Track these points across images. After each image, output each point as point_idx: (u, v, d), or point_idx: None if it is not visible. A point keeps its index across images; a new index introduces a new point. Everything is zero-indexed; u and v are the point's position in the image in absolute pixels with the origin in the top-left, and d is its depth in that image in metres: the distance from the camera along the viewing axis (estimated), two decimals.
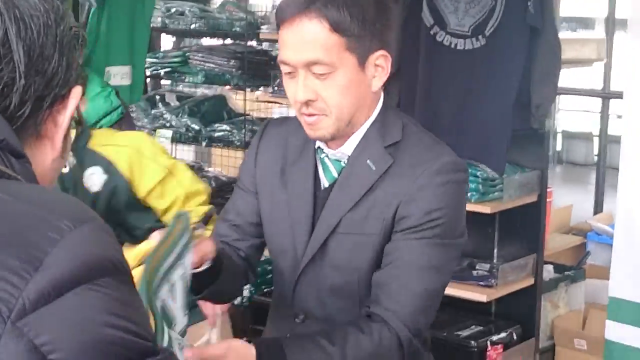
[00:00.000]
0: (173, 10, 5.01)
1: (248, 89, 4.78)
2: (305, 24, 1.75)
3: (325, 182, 1.92)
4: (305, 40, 1.75)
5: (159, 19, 4.97)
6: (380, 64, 1.83)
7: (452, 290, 3.86)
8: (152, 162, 2.84)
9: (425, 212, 1.80)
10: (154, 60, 4.98)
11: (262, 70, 4.70)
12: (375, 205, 1.84)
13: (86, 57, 3.99)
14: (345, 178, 1.88)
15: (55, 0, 1.11)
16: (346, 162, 1.89)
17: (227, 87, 4.94)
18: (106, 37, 3.99)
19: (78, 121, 1.16)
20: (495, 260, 4.19)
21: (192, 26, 4.93)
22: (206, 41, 5.57)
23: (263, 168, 2.02)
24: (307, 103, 1.79)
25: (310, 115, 1.81)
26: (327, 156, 1.91)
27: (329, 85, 1.77)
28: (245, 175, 2.06)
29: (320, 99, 1.79)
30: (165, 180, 2.83)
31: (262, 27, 4.57)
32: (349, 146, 1.88)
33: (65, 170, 2.69)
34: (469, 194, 3.82)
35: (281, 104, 4.82)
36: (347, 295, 1.90)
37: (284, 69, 1.82)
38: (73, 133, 1.20)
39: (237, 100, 5.07)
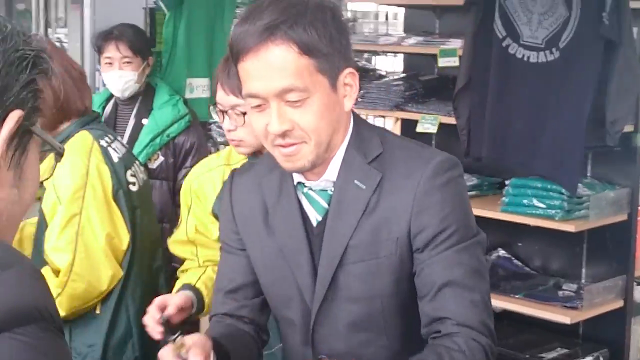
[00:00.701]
0: None
1: None
2: (272, 51, 1.66)
3: (317, 216, 1.83)
4: (275, 68, 1.67)
5: None
6: (349, 83, 1.76)
7: (535, 311, 3.75)
8: None
9: (440, 219, 1.74)
10: None
11: None
12: (381, 226, 1.76)
13: (164, 67, 4.02)
14: (337, 205, 1.80)
15: (2, 21, 1.08)
16: (332, 189, 1.81)
17: None
18: (186, 49, 3.99)
19: (58, 152, 1.13)
20: (583, 281, 4.04)
21: None
22: None
23: (243, 220, 1.93)
24: (283, 134, 1.71)
25: (287, 145, 1.73)
26: (310, 189, 1.83)
27: (305, 111, 1.70)
28: (227, 234, 1.98)
29: (296, 127, 1.71)
30: None
31: None
32: (331, 172, 1.81)
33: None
34: (553, 212, 3.70)
35: None
36: (371, 326, 1.84)
37: (251, 102, 1.73)
38: (48, 164, 1.16)
39: None
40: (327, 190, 1.81)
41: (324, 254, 1.80)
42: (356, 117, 1.84)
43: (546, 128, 3.60)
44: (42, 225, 2.49)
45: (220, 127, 5.29)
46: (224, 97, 2.32)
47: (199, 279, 2.45)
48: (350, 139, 1.80)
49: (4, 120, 1.05)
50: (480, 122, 3.73)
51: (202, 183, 2.52)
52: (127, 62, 3.63)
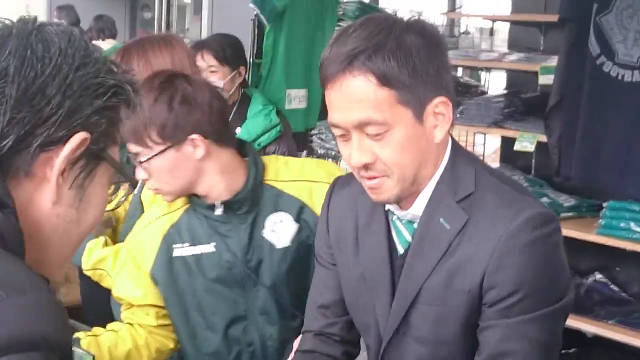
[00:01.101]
0: None
1: None
2: (350, 82, 1.59)
3: (399, 248, 1.75)
4: (352, 100, 1.59)
5: None
6: (441, 112, 1.63)
7: (628, 338, 3.67)
8: None
9: (514, 282, 1.61)
10: None
11: None
12: (457, 272, 1.66)
13: (264, 78, 4.10)
14: (419, 242, 1.71)
15: (90, 47, 1.12)
16: (418, 223, 1.72)
17: None
18: (285, 60, 4.06)
19: (129, 179, 1.16)
20: None
21: None
22: None
23: (336, 235, 1.87)
24: (365, 166, 1.64)
25: (370, 178, 1.65)
26: (398, 218, 1.75)
27: (385, 144, 1.61)
28: (320, 246, 1.93)
29: (378, 161, 1.63)
30: None
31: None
32: (418, 206, 1.71)
33: (218, 213, 2.25)
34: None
35: None
36: None
37: (335, 131, 1.67)
38: (120, 192, 1.19)
39: None
40: (413, 223, 1.73)
41: (400, 289, 1.73)
42: (455, 149, 1.73)
43: (638, 149, 3.51)
44: (138, 212, 2.54)
45: (321, 139, 5.37)
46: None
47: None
48: (443, 173, 1.70)
49: (68, 139, 1.08)
50: (571, 140, 3.66)
51: (139, 242, 2.31)
52: (213, 72, 3.73)
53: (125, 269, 2.34)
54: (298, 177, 2.28)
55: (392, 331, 1.75)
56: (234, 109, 3.80)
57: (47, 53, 1.08)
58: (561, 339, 1.70)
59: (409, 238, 1.73)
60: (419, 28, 1.63)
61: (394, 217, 1.75)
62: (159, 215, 2.31)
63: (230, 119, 3.80)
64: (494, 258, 1.62)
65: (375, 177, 1.65)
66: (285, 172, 2.29)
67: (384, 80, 1.58)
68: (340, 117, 1.62)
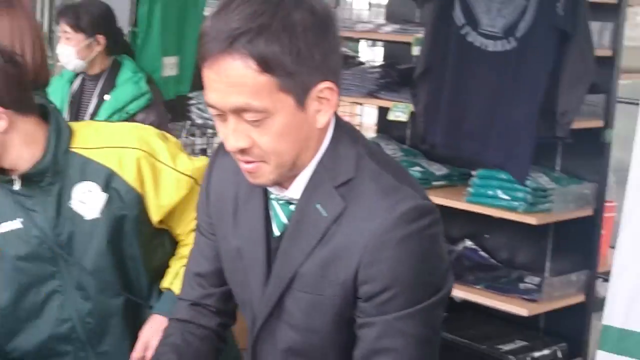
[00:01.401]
0: None
1: None
2: (229, 65, 1.50)
3: (275, 230, 1.71)
4: (230, 84, 1.51)
5: None
6: (325, 97, 1.57)
7: (494, 302, 3.77)
8: (171, 168, 2.23)
9: (389, 278, 1.59)
10: None
11: None
12: (332, 262, 1.62)
13: (139, 46, 4.06)
14: (295, 226, 1.66)
15: None
16: (295, 207, 1.67)
17: None
18: (161, 27, 4.03)
19: None
20: (547, 274, 4.04)
21: None
22: None
23: (216, 206, 1.81)
24: (242, 151, 1.57)
25: (247, 162, 1.60)
26: (276, 198, 1.69)
27: (263, 131, 1.54)
28: (201, 215, 1.89)
29: (255, 146, 1.56)
30: (191, 194, 2.24)
31: None
32: (296, 189, 1.66)
33: (16, 187, 2.15)
34: (516, 204, 3.70)
35: None
36: (308, 356, 1.73)
37: (211, 111, 1.59)
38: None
39: None
40: (289, 206, 1.68)
41: (275, 273, 1.70)
42: (338, 130, 1.66)
43: (499, 117, 3.59)
44: None
45: (200, 109, 5.35)
46: None
47: (176, 275, 2.26)
48: (324, 156, 1.64)
49: None
50: (436, 109, 3.73)
51: None
52: (68, 39, 3.72)
53: None
54: (107, 143, 2.18)
55: (265, 315, 1.73)
56: (104, 76, 3.78)
57: None
58: (440, 329, 1.69)
59: (285, 220, 1.69)
60: (308, 5, 1.54)
61: (272, 197, 1.70)
62: None
63: (100, 87, 3.80)
64: (368, 251, 1.59)
65: (251, 162, 1.59)
66: (95, 139, 2.19)
67: (265, 66, 1.49)
68: (216, 99, 1.54)
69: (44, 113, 2.15)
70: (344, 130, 1.68)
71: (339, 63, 1.62)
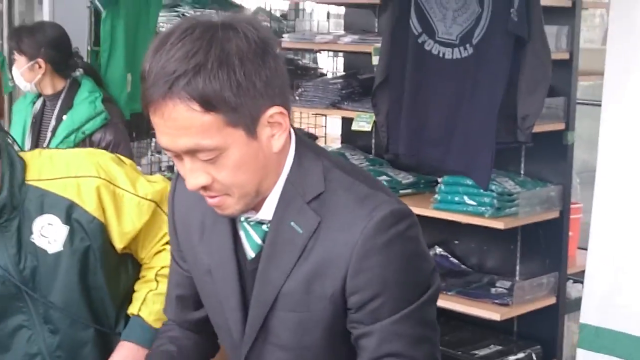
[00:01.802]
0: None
1: None
2: (172, 109, 1.48)
3: (249, 252, 1.70)
4: (177, 127, 1.49)
5: None
6: (276, 120, 1.56)
7: (467, 308, 3.76)
8: (131, 194, 2.18)
9: (377, 285, 1.60)
10: None
11: None
12: (315, 277, 1.62)
13: (104, 65, 4.05)
14: (272, 246, 1.65)
15: None
16: (268, 226, 1.66)
17: None
18: (125, 44, 4.02)
19: None
20: (517, 278, 4.05)
21: None
22: None
23: (183, 229, 1.80)
24: (203, 187, 1.57)
25: (211, 197, 1.59)
26: (246, 220, 1.68)
27: (220, 167, 1.54)
28: (171, 241, 1.89)
29: (215, 181, 1.56)
30: (153, 218, 2.22)
31: (284, 35, 4.51)
32: (267, 210, 1.65)
33: None
34: (483, 209, 3.70)
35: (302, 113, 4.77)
36: None
37: (166, 152, 1.59)
38: None
39: None
40: (262, 226, 1.67)
41: (255, 296, 1.69)
42: (299, 145, 1.66)
43: (459, 124, 3.60)
44: None
45: None
46: None
47: (143, 301, 2.23)
48: (290, 173, 1.64)
49: None
50: (397, 118, 3.74)
51: None
52: (15, 60, 3.73)
53: None
54: (64, 173, 2.13)
55: (251, 340, 1.72)
56: (62, 96, 3.76)
57: None
58: (437, 323, 1.71)
59: (259, 241, 1.68)
60: (242, 34, 1.51)
61: (243, 219, 1.69)
62: None
63: (58, 107, 3.78)
64: (352, 262, 1.59)
65: (215, 196, 1.59)
66: (50, 169, 2.13)
67: (208, 105, 1.48)
68: (167, 142, 1.53)
69: None
70: (305, 145, 1.69)
71: (284, 84, 1.60)
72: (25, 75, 3.68)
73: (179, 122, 1.48)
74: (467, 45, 3.58)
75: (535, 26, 3.37)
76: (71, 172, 2.13)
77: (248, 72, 1.50)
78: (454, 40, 3.60)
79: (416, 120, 3.72)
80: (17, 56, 3.70)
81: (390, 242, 1.60)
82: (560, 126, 3.82)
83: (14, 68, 3.73)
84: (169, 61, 1.48)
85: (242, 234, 1.70)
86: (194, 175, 1.55)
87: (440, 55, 3.64)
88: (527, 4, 3.35)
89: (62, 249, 2.11)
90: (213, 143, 1.51)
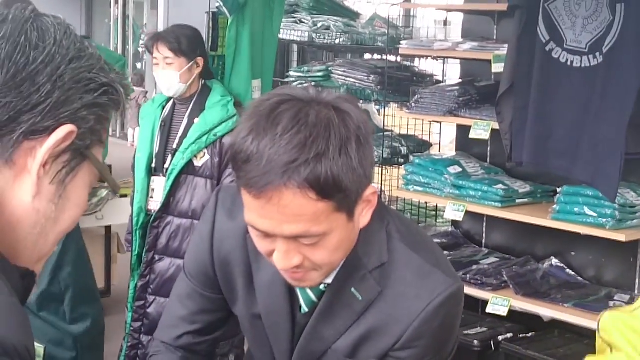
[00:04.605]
0: (319, 24, 5.06)
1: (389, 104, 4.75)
2: (286, 197, 1.41)
3: (303, 305, 1.70)
4: (287, 214, 1.43)
5: (307, 33, 5.05)
6: (369, 199, 1.54)
7: (583, 321, 3.70)
8: None
9: (418, 355, 1.66)
10: (299, 74, 5.06)
11: (402, 85, 4.66)
12: (365, 341, 1.66)
13: (228, 70, 4.11)
14: (328, 307, 1.66)
15: (85, 43, 1.11)
16: (326, 287, 1.65)
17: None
18: (250, 50, 4.06)
19: (111, 182, 1.13)
20: (636, 292, 3.95)
21: (337, 41, 4.97)
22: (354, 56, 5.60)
23: (224, 266, 1.77)
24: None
25: (295, 272, 1.56)
26: None
27: (318, 249, 1.50)
28: (198, 269, 1.82)
29: (307, 260, 1.52)
30: None
31: (402, 42, 4.51)
32: (330, 275, 1.64)
33: None
34: (604, 220, 3.64)
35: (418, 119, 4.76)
36: None
37: (255, 232, 1.51)
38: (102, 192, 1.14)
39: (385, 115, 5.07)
40: (320, 285, 1.66)
41: (303, 347, 1.71)
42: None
43: (586, 133, 3.54)
44: None
45: None
46: None
47: None
48: (357, 244, 1.61)
49: (54, 130, 1.05)
50: (522, 126, 3.70)
51: None
52: (169, 63, 3.76)
53: None
54: None
55: None
56: (194, 99, 3.83)
57: (42, 42, 1.06)
58: None
59: (314, 299, 1.68)
60: (354, 120, 1.46)
61: None
62: None
63: (190, 110, 3.85)
64: (403, 340, 1.64)
65: (301, 272, 1.56)
66: None
67: (325, 193, 1.42)
68: (269, 226, 1.46)
69: None
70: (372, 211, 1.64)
71: (372, 162, 1.55)
72: (184, 76, 3.75)
73: (290, 209, 1.42)
74: (597, 54, 3.52)
75: None
76: None
77: (361, 156, 1.45)
78: (583, 48, 3.55)
79: (542, 128, 3.67)
80: (173, 58, 3.75)
81: (444, 324, 1.65)
82: None
83: (165, 71, 3.75)
84: (286, 148, 1.40)
85: (297, 288, 1.70)
86: (289, 257, 1.50)
87: (569, 63, 3.59)
88: None
89: None
90: (321, 229, 1.46)
